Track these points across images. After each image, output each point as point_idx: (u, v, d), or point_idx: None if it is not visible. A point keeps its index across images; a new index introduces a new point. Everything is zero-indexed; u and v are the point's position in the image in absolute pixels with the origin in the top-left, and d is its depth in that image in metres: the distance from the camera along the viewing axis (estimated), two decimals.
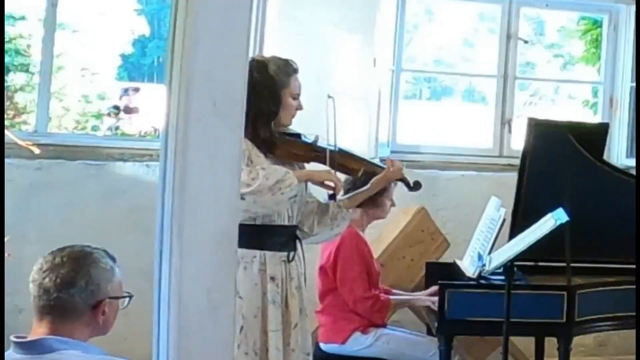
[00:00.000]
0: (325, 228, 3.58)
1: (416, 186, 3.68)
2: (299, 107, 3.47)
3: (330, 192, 3.46)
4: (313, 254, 3.74)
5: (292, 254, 3.45)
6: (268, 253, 3.39)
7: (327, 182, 3.45)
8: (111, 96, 9.17)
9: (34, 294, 2.24)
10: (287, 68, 3.44)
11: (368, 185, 3.63)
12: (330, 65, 4.88)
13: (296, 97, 3.45)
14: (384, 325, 4.38)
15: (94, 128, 8.53)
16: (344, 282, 4.25)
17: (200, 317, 1.91)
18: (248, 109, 3.25)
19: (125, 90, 6.74)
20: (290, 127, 3.53)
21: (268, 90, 3.38)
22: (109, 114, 8.56)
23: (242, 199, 3.18)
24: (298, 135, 3.49)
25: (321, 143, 3.45)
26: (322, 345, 4.37)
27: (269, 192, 3.25)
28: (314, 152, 3.45)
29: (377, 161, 4.56)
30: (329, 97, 3.36)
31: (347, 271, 4.24)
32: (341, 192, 3.60)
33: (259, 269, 3.37)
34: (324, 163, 3.44)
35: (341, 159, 3.46)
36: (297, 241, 3.51)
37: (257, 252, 3.37)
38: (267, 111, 3.38)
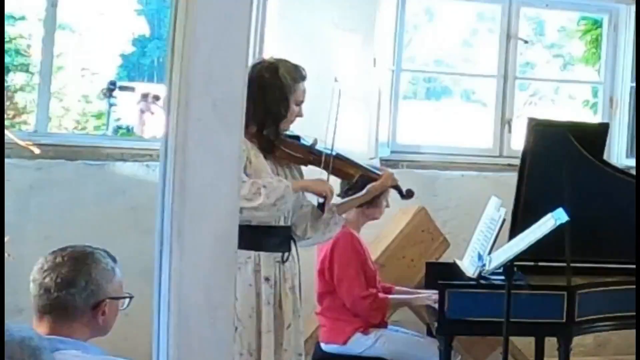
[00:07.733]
0: (317, 232, 3.60)
1: (408, 194, 3.73)
2: (299, 114, 3.47)
3: (322, 200, 3.49)
4: (308, 255, 3.73)
5: (286, 254, 3.45)
6: (263, 254, 3.39)
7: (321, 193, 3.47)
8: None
9: (34, 294, 2.24)
10: (296, 74, 3.44)
11: (364, 191, 3.64)
12: (330, 66, 4.87)
13: (299, 103, 3.46)
14: (385, 326, 4.38)
15: (97, 128, 8.50)
16: (342, 283, 4.25)
17: (200, 317, 1.92)
18: (256, 108, 3.30)
19: (145, 96, 6.44)
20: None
21: (279, 93, 3.39)
22: (103, 93, 8.43)
23: (240, 212, 3.19)
24: (297, 138, 3.49)
25: (319, 146, 3.46)
26: (324, 346, 4.37)
27: (268, 210, 3.26)
28: (312, 155, 3.46)
29: (377, 162, 4.56)
30: (336, 80, 3.37)
31: (344, 271, 4.24)
32: (332, 201, 3.62)
33: (254, 270, 3.37)
34: (320, 166, 3.46)
35: (338, 164, 3.48)
36: (292, 242, 3.51)
37: (252, 253, 3.37)
38: (276, 113, 3.39)
